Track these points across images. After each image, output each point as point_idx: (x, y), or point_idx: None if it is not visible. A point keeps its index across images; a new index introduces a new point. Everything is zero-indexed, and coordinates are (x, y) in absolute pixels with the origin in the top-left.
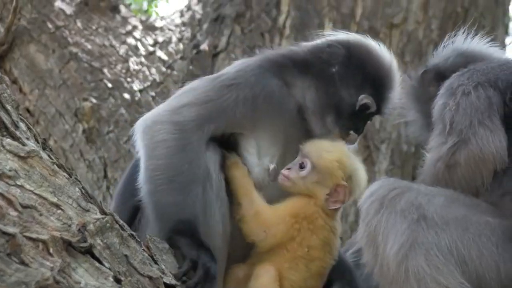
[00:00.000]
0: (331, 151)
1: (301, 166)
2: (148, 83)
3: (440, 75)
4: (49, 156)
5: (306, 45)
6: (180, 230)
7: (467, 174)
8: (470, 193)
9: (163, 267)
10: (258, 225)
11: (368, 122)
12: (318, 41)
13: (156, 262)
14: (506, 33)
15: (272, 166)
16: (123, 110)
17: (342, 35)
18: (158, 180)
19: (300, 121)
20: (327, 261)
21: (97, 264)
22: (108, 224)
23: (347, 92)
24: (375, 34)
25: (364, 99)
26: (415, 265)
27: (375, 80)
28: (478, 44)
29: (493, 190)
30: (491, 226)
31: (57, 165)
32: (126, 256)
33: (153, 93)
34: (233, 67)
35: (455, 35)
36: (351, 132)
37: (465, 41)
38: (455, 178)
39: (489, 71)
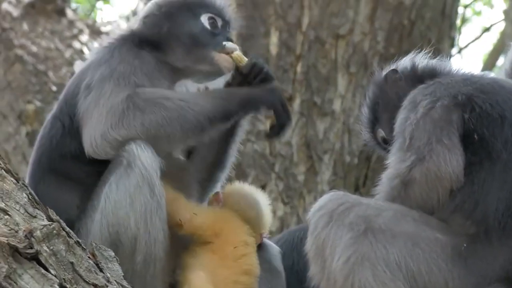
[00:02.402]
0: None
1: None
2: None
3: (410, 77)
4: None
5: (138, 19)
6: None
7: (424, 192)
8: (426, 211)
9: (109, 275)
10: (187, 208)
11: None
12: (142, 13)
13: (101, 270)
14: (452, 46)
15: None
16: None
17: None
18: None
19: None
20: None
21: (43, 271)
22: (54, 231)
23: (191, 25)
24: (321, 44)
25: (206, 17)
26: (362, 279)
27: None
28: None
29: (445, 207)
30: (441, 242)
31: (4, 170)
32: (72, 263)
33: None
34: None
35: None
36: (225, 43)
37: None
38: (412, 196)
39: (453, 85)
